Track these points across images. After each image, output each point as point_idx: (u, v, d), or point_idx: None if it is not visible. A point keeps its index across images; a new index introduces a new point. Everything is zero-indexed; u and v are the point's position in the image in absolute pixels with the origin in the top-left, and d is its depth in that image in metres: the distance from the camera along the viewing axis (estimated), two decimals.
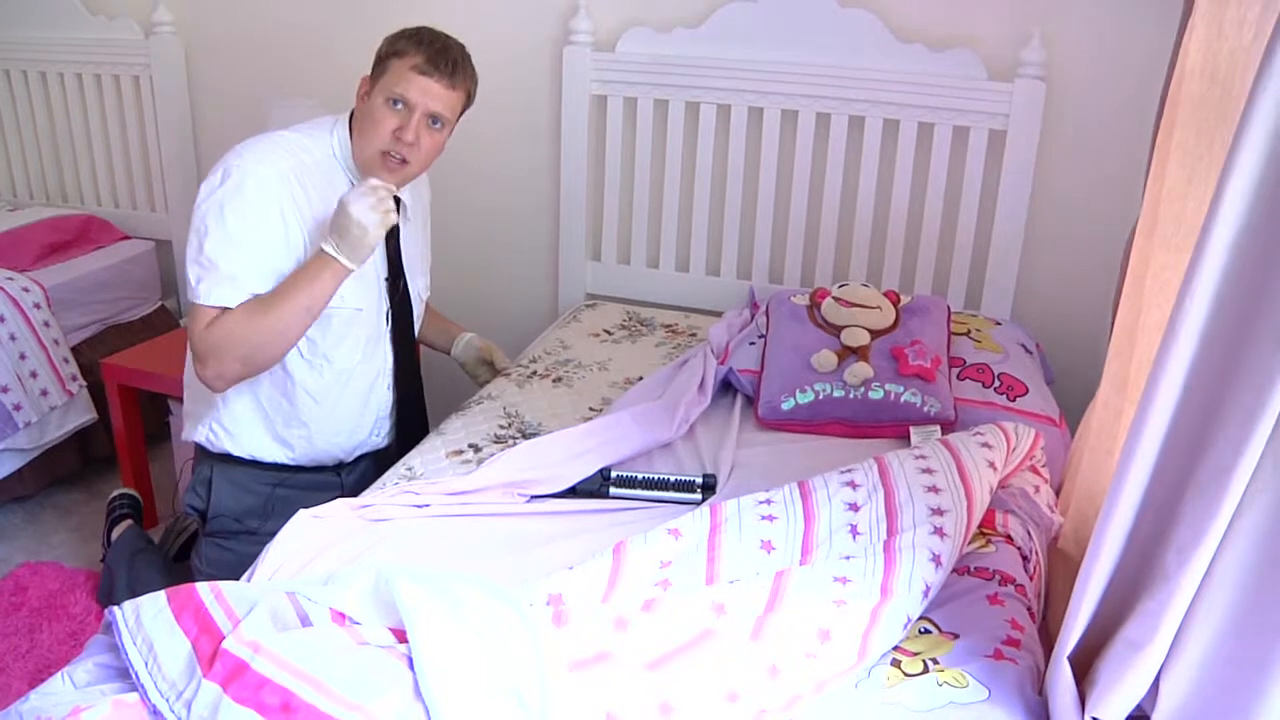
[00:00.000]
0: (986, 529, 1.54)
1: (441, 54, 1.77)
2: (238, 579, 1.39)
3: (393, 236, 1.92)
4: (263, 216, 1.73)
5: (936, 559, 1.36)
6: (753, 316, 2.28)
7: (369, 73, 1.83)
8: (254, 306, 1.72)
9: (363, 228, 1.68)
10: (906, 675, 1.25)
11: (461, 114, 1.87)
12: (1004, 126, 2.27)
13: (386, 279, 1.93)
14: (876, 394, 1.92)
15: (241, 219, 1.72)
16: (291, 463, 1.96)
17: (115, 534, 2.40)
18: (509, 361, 2.24)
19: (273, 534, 1.52)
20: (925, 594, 1.33)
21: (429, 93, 1.76)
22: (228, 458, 1.94)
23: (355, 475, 2.02)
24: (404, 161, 1.79)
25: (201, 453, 1.99)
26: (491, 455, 1.77)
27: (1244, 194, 0.90)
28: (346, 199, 1.70)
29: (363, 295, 1.87)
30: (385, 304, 1.93)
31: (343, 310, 1.84)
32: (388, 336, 1.96)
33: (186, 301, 1.77)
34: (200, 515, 1.98)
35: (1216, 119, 1.32)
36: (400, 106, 1.77)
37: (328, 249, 1.71)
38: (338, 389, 1.91)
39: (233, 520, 1.95)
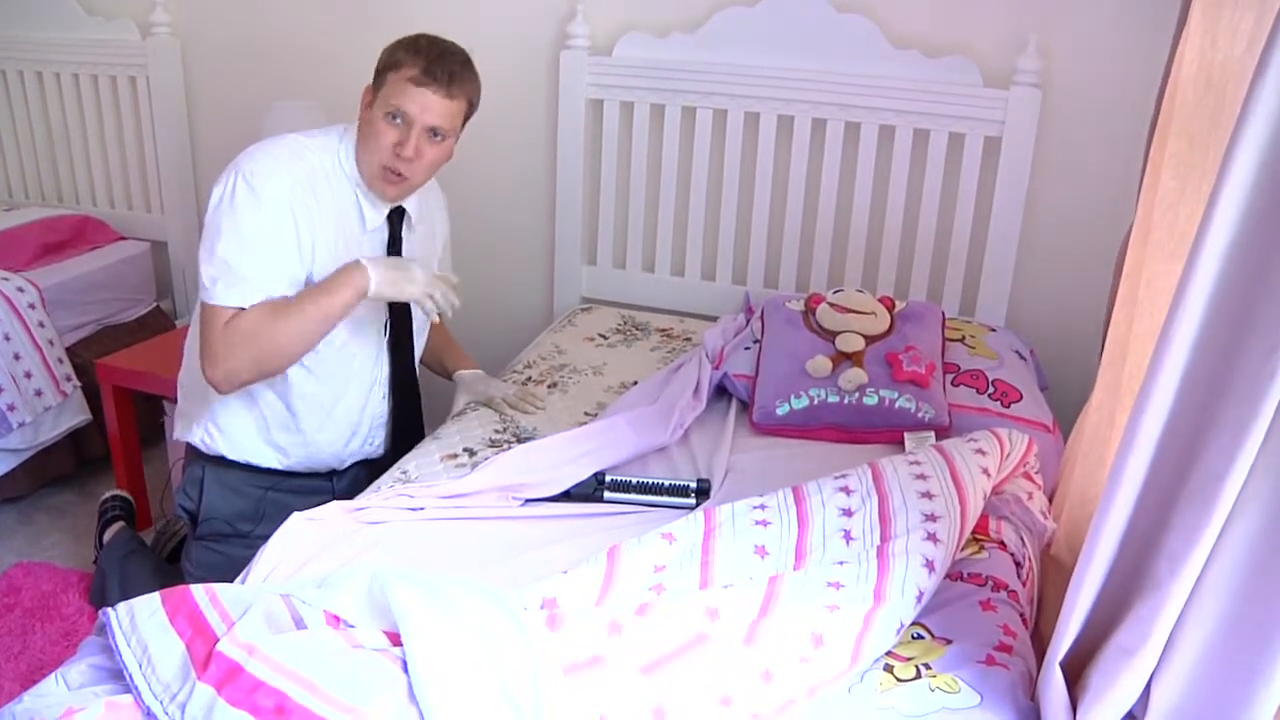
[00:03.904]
0: (980, 535, 1.54)
1: (438, 63, 1.73)
2: (227, 581, 1.38)
3: (394, 246, 1.91)
4: (277, 221, 1.73)
5: (930, 564, 1.36)
6: (748, 321, 2.28)
7: (369, 80, 1.82)
8: (272, 307, 1.72)
9: (415, 289, 1.78)
10: (899, 680, 1.26)
11: (466, 121, 1.84)
12: (999, 133, 2.28)
13: None
14: (871, 400, 1.92)
15: (256, 222, 1.71)
16: (284, 468, 1.95)
17: (108, 536, 2.40)
18: (508, 393, 2.09)
19: (263, 537, 1.52)
20: (918, 599, 1.34)
21: (427, 107, 1.73)
22: (220, 460, 1.94)
23: (347, 481, 2.02)
24: (403, 176, 1.78)
25: (193, 453, 1.99)
26: (486, 459, 1.77)
27: (1237, 203, 0.91)
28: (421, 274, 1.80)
29: (362, 305, 1.86)
30: (385, 314, 1.93)
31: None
32: (386, 347, 1.95)
33: (196, 303, 1.76)
34: (191, 517, 1.97)
35: (1210, 128, 1.33)
36: (399, 121, 1.74)
37: (366, 264, 1.73)
38: (334, 397, 1.90)
39: (223, 523, 1.94)
